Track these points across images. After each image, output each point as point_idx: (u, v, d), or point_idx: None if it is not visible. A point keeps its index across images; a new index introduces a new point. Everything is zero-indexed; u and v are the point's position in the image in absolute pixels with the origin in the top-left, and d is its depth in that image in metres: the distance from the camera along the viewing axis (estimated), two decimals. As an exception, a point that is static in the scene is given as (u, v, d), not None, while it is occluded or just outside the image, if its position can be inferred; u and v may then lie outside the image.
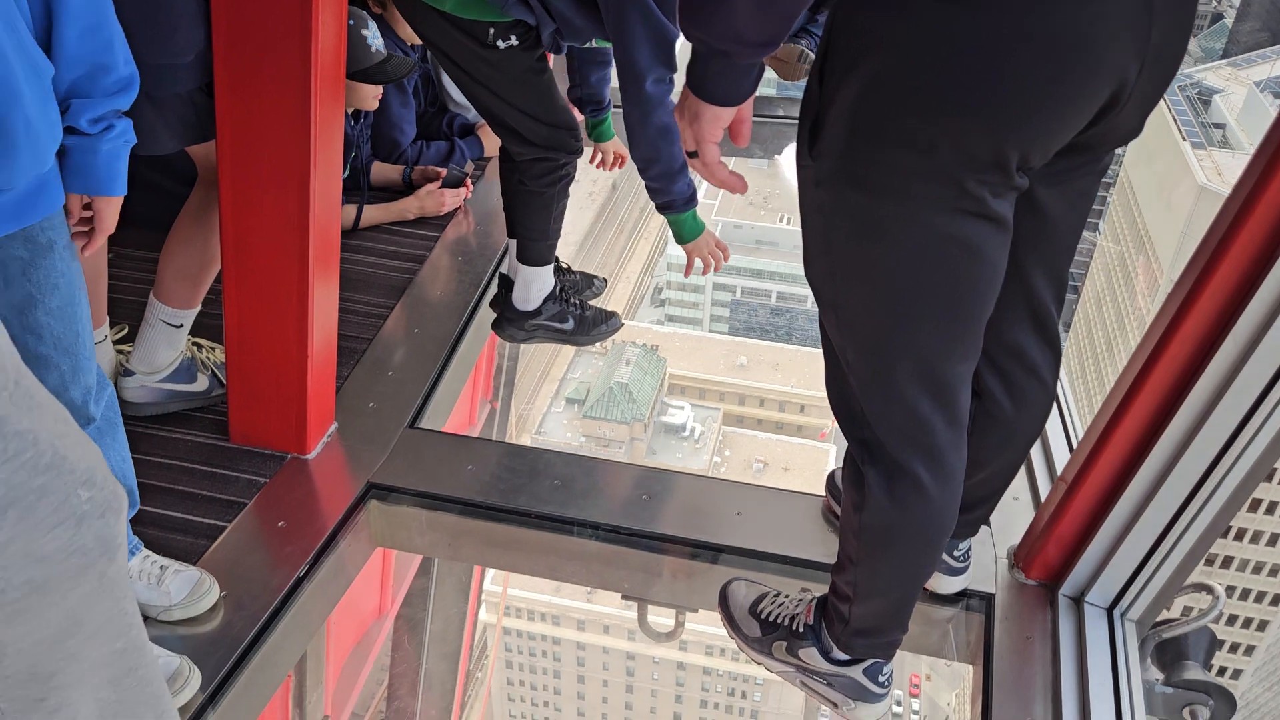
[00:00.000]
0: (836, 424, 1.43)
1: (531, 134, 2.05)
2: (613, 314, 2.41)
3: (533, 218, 2.16)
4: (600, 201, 38.94)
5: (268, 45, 1.64)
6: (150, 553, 1.64)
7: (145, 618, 1.40)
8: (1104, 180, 1.34)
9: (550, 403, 38.69)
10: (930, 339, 1.23)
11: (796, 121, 1.16)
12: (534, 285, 2.25)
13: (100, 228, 1.32)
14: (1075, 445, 1.85)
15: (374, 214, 2.77)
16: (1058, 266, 1.37)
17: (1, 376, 0.80)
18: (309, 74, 1.63)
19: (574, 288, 2.51)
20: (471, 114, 3.19)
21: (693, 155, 1.12)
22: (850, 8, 1.09)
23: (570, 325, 2.33)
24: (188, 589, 1.62)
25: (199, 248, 1.90)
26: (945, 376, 1.27)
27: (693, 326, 46.51)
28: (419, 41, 2.92)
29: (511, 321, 2.29)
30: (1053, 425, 2.11)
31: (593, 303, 2.46)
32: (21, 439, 0.79)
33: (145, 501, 1.77)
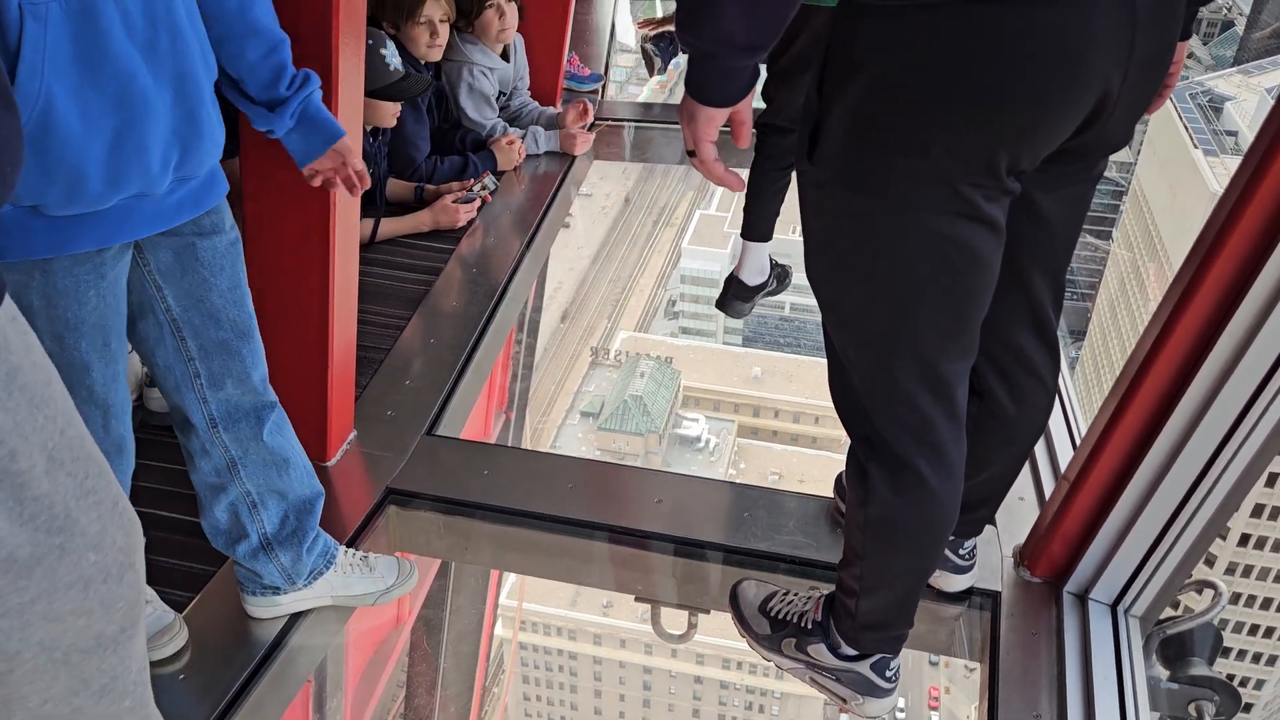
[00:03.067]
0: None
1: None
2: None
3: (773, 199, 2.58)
4: (613, 215, 39.06)
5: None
6: (348, 548, 1.79)
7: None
8: (1117, 189, 1.38)
9: (565, 415, 38.71)
10: (928, 336, 1.28)
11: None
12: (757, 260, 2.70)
13: (356, 168, 1.53)
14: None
15: (390, 227, 2.83)
16: (1056, 270, 1.41)
17: (50, 426, 0.81)
18: (332, 93, 1.68)
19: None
20: (484, 130, 3.25)
21: (692, 154, 1.16)
22: (847, 19, 1.14)
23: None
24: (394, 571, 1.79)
25: None
26: (944, 373, 1.31)
27: (707, 339, 46.50)
28: (434, 59, 2.99)
29: (739, 297, 2.75)
30: (1057, 426, 2.14)
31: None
32: (38, 502, 0.81)
33: (167, 508, 1.82)
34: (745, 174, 2.49)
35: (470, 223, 2.94)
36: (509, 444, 4.04)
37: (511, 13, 3.19)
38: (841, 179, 1.19)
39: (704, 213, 42.18)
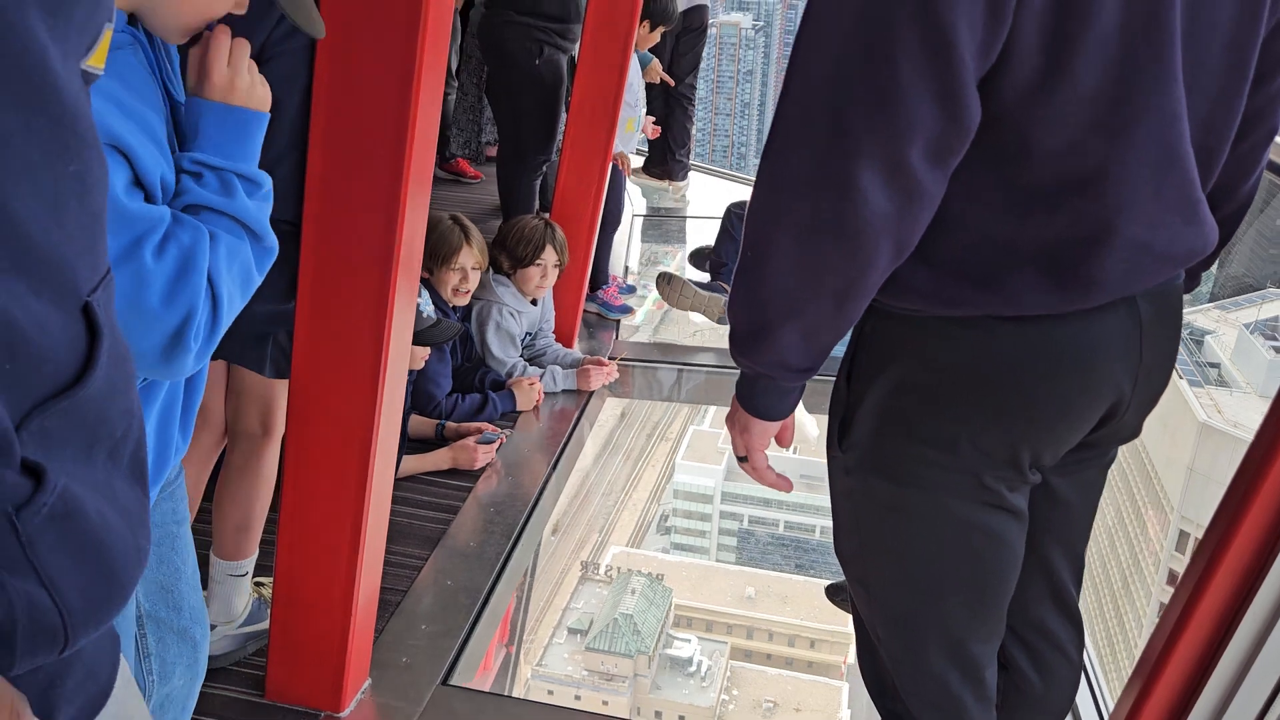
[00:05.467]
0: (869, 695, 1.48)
1: None
2: None
3: None
4: (609, 429, 39.36)
5: (346, 326, 1.81)
6: None
7: None
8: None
9: (553, 633, 37.45)
10: (956, 618, 1.31)
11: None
12: None
13: None
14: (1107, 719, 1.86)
15: (410, 464, 2.89)
16: (1074, 547, 1.46)
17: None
18: (384, 339, 1.78)
19: None
20: (505, 369, 3.38)
21: (743, 459, 1.24)
22: (876, 320, 1.24)
23: None
24: None
25: (249, 500, 2.00)
26: (972, 654, 1.33)
27: (700, 555, 45.76)
28: (460, 304, 3.15)
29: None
30: (1083, 699, 2.12)
31: None
32: None
33: None
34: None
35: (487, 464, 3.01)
36: (507, 678, 3.95)
37: (553, 277, 3.40)
38: (871, 466, 1.27)
39: (698, 429, 42.45)
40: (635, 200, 4.43)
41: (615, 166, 4.06)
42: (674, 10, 4.21)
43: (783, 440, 1.21)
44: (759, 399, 1.17)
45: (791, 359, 1.10)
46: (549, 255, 3.37)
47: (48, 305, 0.58)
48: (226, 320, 1.07)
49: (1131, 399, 1.22)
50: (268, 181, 1.13)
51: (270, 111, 1.13)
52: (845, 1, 0.97)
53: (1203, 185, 1.16)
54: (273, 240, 1.13)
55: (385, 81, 1.66)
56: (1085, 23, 0.99)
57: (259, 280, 1.13)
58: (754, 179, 1.05)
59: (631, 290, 4.35)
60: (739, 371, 1.18)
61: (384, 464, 1.92)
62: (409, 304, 1.88)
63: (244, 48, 1.11)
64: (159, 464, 1.20)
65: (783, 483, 1.24)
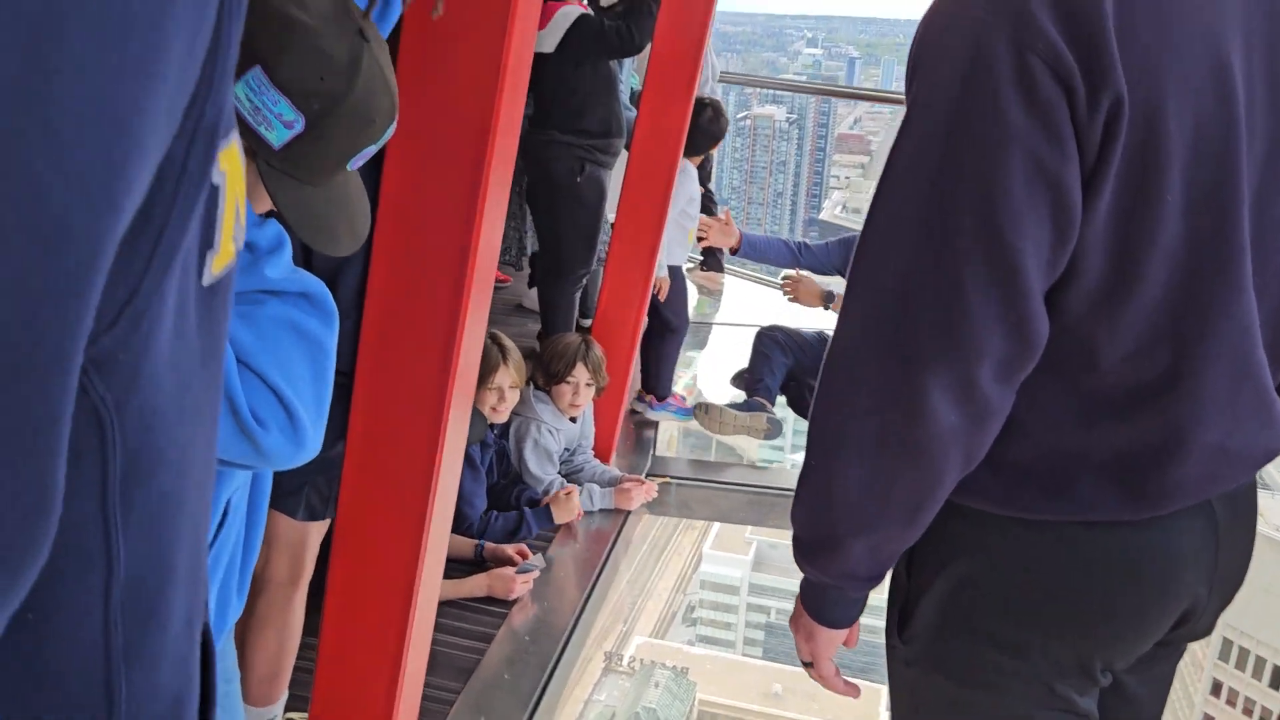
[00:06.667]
0: None
1: None
2: None
3: None
4: (633, 516, 39.01)
5: (396, 458, 1.80)
6: None
7: None
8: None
9: (574, 726, 36.63)
10: None
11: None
12: None
13: None
14: None
15: (446, 589, 2.84)
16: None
17: None
18: (437, 452, 1.76)
19: None
20: (542, 486, 3.36)
21: (808, 665, 1.20)
22: (941, 513, 1.21)
23: None
24: None
25: (279, 650, 1.97)
26: None
27: (726, 649, 44.86)
28: (498, 421, 3.15)
29: None
30: None
31: None
32: None
33: None
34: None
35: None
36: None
37: (586, 395, 3.40)
38: (933, 663, 1.22)
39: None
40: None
41: (682, 275, 4.10)
42: (722, 129, 4.23)
43: (849, 643, 1.18)
44: (826, 608, 1.14)
45: (860, 570, 1.08)
46: (580, 373, 3.37)
47: None
48: (290, 384, 1.07)
49: (1208, 603, 1.17)
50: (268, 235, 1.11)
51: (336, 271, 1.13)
52: (908, 218, 0.97)
53: (1275, 383, 1.14)
54: (300, 283, 1.12)
55: (448, 228, 1.70)
56: (1151, 235, 0.98)
57: (311, 322, 1.12)
58: (817, 387, 1.04)
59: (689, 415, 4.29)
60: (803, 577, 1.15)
61: (427, 600, 1.90)
62: (460, 434, 1.87)
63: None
64: (218, 625, 1.19)
65: (851, 690, 1.20)
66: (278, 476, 1.54)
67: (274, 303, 1.12)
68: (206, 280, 0.51)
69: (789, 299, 4.02)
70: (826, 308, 3.90)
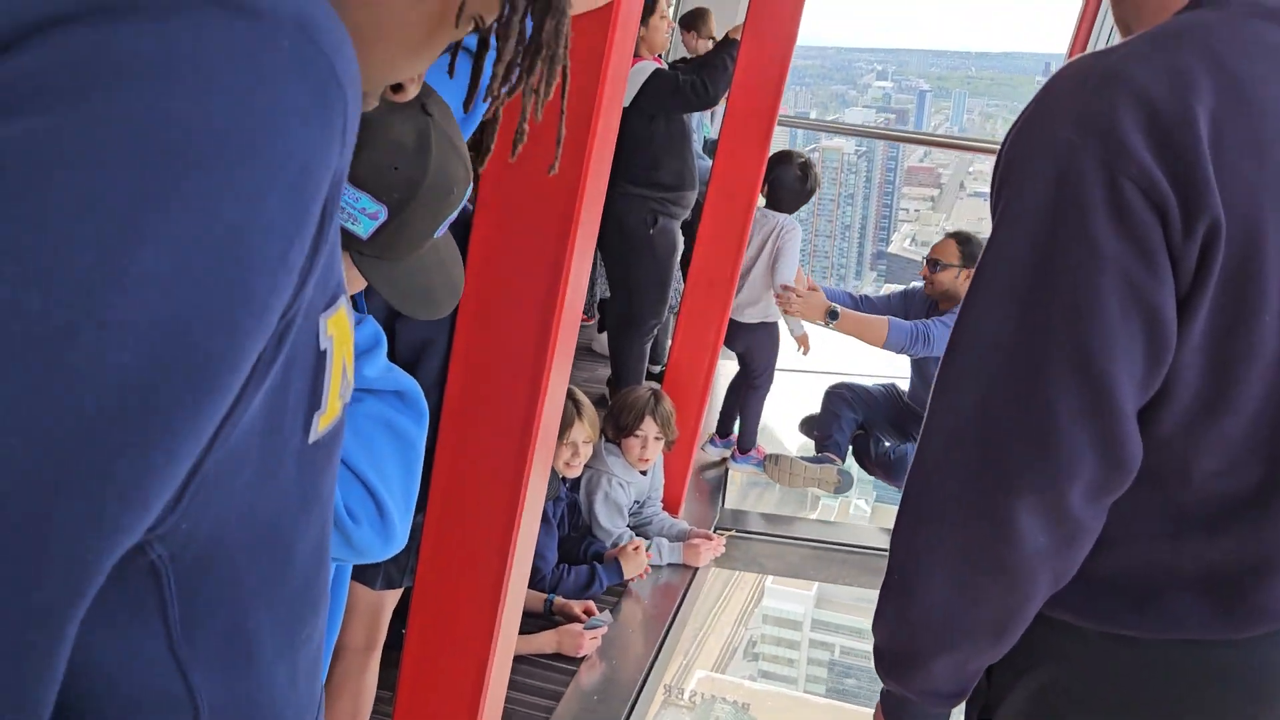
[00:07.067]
0: None
1: None
2: None
3: None
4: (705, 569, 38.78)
5: (476, 523, 1.84)
6: None
7: None
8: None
9: (633, 760, 36.32)
10: None
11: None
12: None
13: None
14: None
15: (516, 645, 2.87)
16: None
17: None
18: (518, 506, 1.80)
19: None
20: (611, 539, 3.37)
21: None
22: None
23: None
24: None
25: (354, 710, 1.99)
26: None
27: (788, 685, 44.22)
28: (571, 476, 3.17)
29: None
30: None
31: None
32: None
33: None
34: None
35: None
36: None
37: (655, 448, 3.41)
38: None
39: (790, 553, 41.42)
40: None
41: (776, 330, 4.06)
42: (810, 191, 4.05)
43: None
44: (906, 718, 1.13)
45: (944, 688, 1.07)
46: (649, 427, 3.38)
47: None
48: (383, 481, 1.11)
49: None
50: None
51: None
52: (998, 344, 0.96)
53: None
54: (395, 382, 1.16)
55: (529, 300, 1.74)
56: (1249, 353, 0.96)
57: (403, 420, 1.15)
58: (900, 504, 1.04)
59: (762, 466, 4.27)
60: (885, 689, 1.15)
61: (502, 661, 1.92)
62: (538, 498, 1.90)
63: None
64: None
65: None
66: None
67: (370, 400, 1.15)
68: (312, 438, 0.51)
69: (789, 310, 3.84)
70: (828, 325, 3.82)
